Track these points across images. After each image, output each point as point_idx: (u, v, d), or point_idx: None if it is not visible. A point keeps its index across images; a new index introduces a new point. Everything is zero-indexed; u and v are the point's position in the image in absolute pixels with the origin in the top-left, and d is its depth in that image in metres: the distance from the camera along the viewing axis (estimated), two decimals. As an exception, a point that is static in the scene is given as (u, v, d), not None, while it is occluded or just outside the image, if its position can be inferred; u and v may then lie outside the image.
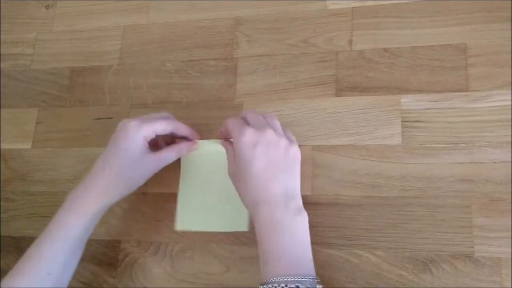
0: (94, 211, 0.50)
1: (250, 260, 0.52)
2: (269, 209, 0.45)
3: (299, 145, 0.54)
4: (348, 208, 0.51)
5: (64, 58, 0.67)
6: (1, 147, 0.66)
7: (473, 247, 0.47)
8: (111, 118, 0.62)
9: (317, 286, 0.43)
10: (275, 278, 0.43)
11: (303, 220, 0.46)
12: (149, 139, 0.52)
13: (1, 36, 0.71)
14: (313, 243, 0.51)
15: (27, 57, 0.69)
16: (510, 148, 0.48)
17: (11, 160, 0.65)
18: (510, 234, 0.47)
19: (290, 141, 0.49)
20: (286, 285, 0.42)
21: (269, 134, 0.47)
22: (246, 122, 0.49)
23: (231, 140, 0.50)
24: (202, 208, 0.54)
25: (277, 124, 0.49)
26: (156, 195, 0.58)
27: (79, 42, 0.67)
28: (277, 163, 0.47)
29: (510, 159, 0.48)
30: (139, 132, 0.50)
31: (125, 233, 0.58)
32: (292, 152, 0.48)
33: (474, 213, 0.48)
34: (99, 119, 0.63)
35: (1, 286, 0.47)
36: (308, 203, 0.52)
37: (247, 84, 0.58)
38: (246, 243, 0.53)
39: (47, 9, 0.70)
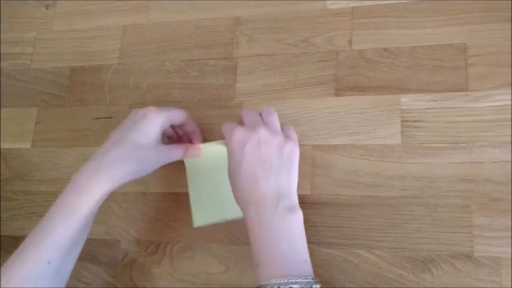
0: (103, 191, 0.47)
1: (250, 260, 0.52)
2: (258, 210, 0.44)
3: (299, 145, 0.54)
4: (348, 208, 0.51)
5: (64, 57, 0.67)
6: (1, 147, 0.66)
7: (472, 246, 0.47)
8: (110, 117, 0.62)
9: (314, 286, 0.41)
10: (267, 282, 0.41)
11: (296, 218, 0.44)
12: (164, 127, 0.51)
13: (1, 35, 0.71)
14: (313, 243, 0.51)
15: (27, 56, 0.69)
16: (510, 148, 0.48)
17: (11, 159, 0.65)
18: (510, 234, 0.47)
19: (287, 137, 0.47)
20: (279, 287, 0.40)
21: (260, 132, 0.46)
22: (242, 123, 0.48)
23: None
24: (214, 199, 0.54)
25: (274, 121, 0.48)
26: (156, 195, 0.58)
27: (79, 42, 0.67)
28: (268, 162, 0.45)
29: (510, 159, 0.48)
30: (158, 117, 0.50)
31: (125, 233, 0.58)
32: (287, 149, 0.46)
33: (474, 212, 0.48)
34: (99, 118, 0.63)
35: (0, 272, 0.45)
36: (308, 203, 0.52)
37: (247, 84, 0.58)
38: (246, 242, 0.53)
39: (47, 8, 0.70)
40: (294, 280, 0.40)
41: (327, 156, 0.53)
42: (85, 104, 0.64)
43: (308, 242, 0.50)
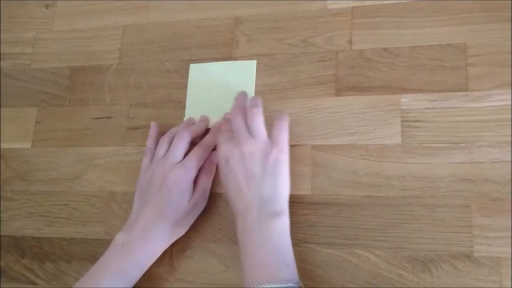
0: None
1: (250, 260, 0.52)
2: (243, 219, 0.47)
3: (299, 145, 0.54)
4: (348, 208, 0.51)
5: (64, 57, 0.67)
6: (1, 147, 0.66)
7: (472, 246, 0.47)
8: (110, 117, 0.62)
9: None
10: (249, 287, 0.43)
11: (279, 224, 0.46)
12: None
13: (1, 35, 0.71)
14: (313, 243, 0.51)
15: (27, 56, 0.69)
16: (510, 148, 0.48)
17: (11, 159, 0.65)
18: (509, 233, 0.47)
19: (273, 144, 0.49)
20: None
21: (242, 146, 0.48)
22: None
23: None
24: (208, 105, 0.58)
25: (258, 125, 0.49)
26: (156, 195, 0.58)
27: (79, 42, 0.67)
28: (250, 174, 0.48)
29: (510, 159, 0.48)
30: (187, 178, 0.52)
31: (125, 233, 0.58)
32: (272, 158, 0.48)
33: (473, 212, 0.48)
34: (99, 118, 0.63)
35: None
36: (308, 203, 0.52)
37: (247, 84, 0.58)
38: (245, 242, 0.53)
39: (46, 8, 0.70)
40: (274, 286, 0.42)
41: (327, 156, 0.53)
42: (85, 104, 0.64)
43: (308, 242, 0.50)
